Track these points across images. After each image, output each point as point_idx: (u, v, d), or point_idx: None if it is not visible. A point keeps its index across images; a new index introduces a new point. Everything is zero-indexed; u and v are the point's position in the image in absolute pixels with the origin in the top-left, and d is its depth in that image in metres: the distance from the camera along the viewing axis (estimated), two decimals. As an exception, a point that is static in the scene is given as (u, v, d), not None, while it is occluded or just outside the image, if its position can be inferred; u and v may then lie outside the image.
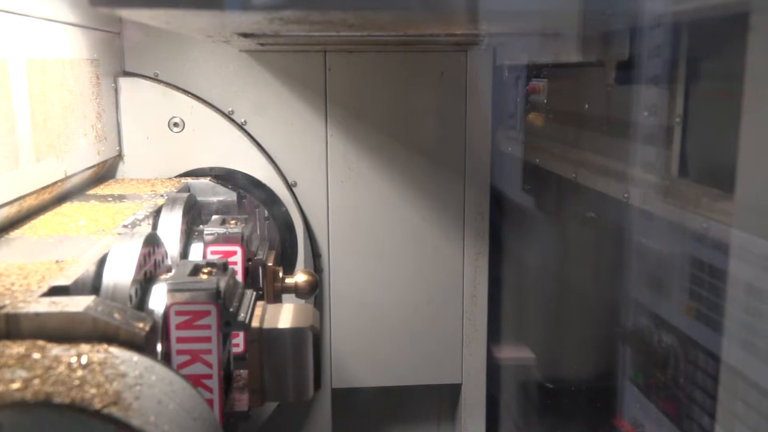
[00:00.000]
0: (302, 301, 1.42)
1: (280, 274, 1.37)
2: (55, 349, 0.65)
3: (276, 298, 1.36)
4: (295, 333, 0.99)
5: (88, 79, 1.46)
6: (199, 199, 1.44)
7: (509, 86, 1.78)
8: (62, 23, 1.33)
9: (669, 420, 0.89)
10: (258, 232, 1.52)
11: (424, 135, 1.84)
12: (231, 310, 0.89)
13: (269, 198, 1.74)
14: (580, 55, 1.14)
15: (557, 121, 1.46)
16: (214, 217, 1.30)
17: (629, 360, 1.05)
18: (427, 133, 1.84)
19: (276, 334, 0.99)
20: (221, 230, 1.20)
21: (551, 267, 1.57)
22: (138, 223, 1.14)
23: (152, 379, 0.65)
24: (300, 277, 1.39)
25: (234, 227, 1.21)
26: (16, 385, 0.59)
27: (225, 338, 0.94)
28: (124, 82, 1.68)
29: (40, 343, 0.67)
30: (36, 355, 0.64)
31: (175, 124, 1.71)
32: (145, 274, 0.91)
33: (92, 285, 0.85)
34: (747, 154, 0.72)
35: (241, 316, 0.90)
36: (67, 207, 1.25)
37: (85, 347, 0.66)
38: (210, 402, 0.86)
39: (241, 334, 1.04)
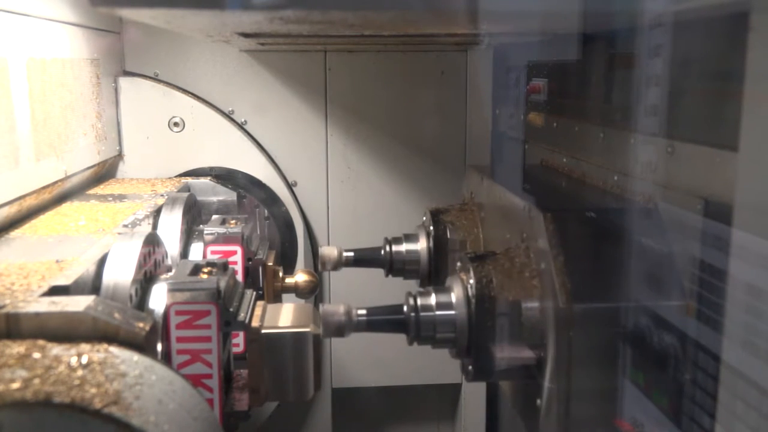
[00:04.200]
0: (302, 301, 1.42)
1: (280, 274, 1.37)
2: (56, 349, 0.65)
3: (276, 298, 1.36)
4: (295, 333, 0.99)
5: (89, 78, 1.46)
6: (199, 198, 1.44)
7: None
8: (62, 23, 1.33)
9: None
10: (258, 232, 1.53)
11: (424, 135, 1.84)
12: (231, 309, 0.89)
13: (269, 198, 1.74)
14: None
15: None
16: (214, 216, 1.30)
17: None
18: (428, 133, 1.84)
19: (276, 334, 0.99)
20: (221, 230, 1.20)
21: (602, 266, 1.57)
22: (138, 222, 1.14)
23: (152, 379, 0.65)
24: (300, 277, 1.39)
25: (234, 227, 1.21)
26: (16, 385, 0.59)
27: (225, 338, 0.94)
28: (125, 82, 1.68)
29: (41, 342, 0.67)
30: (36, 355, 0.64)
31: (176, 124, 1.71)
32: (145, 273, 0.91)
33: (92, 285, 0.85)
34: (747, 154, 0.72)
35: (241, 315, 0.90)
36: (67, 207, 1.25)
37: (85, 347, 0.66)
38: (210, 402, 0.86)
39: (241, 333, 1.04)
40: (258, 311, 1.00)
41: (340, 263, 1.40)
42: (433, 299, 1.04)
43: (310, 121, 1.81)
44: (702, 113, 0.88)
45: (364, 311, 1.04)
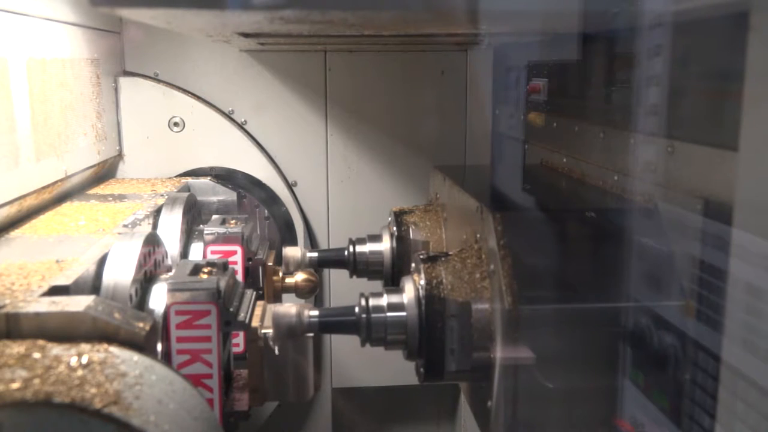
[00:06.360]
0: (302, 301, 1.41)
1: (280, 274, 1.37)
2: (56, 349, 0.65)
3: (276, 298, 1.36)
4: (295, 333, 1.00)
5: (89, 78, 1.46)
6: (199, 198, 1.44)
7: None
8: (62, 23, 1.33)
9: None
10: (258, 232, 1.52)
11: (424, 134, 1.84)
12: (231, 309, 0.89)
13: (269, 198, 1.74)
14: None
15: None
16: (214, 216, 1.30)
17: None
18: (428, 133, 1.84)
19: (276, 333, 0.99)
20: (221, 230, 1.20)
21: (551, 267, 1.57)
22: (138, 222, 1.14)
23: (152, 379, 0.65)
24: (300, 277, 1.39)
25: (234, 227, 1.21)
26: (16, 385, 0.58)
27: (225, 338, 0.94)
28: (125, 82, 1.68)
29: (41, 342, 0.67)
30: (36, 355, 0.64)
31: (176, 124, 1.71)
32: (145, 273, 0.91)
33: (92, 285, 0.85)
34: (747, 154, 0.72)
35: (241, 315, 0.90)
36: (67, 207, 1.25)
37: (85, 347, 0.66)
38: (210, 401, 0.86)
39: (241, 333, 1.04)
40: (258, 311, 1.00)
41: (303, 264, 1.39)
42: (384, 300, 1.03)
43: (310, 121, 1.81)
44: (702, 113, 0.88)
45: (315, 312, 1.04)
